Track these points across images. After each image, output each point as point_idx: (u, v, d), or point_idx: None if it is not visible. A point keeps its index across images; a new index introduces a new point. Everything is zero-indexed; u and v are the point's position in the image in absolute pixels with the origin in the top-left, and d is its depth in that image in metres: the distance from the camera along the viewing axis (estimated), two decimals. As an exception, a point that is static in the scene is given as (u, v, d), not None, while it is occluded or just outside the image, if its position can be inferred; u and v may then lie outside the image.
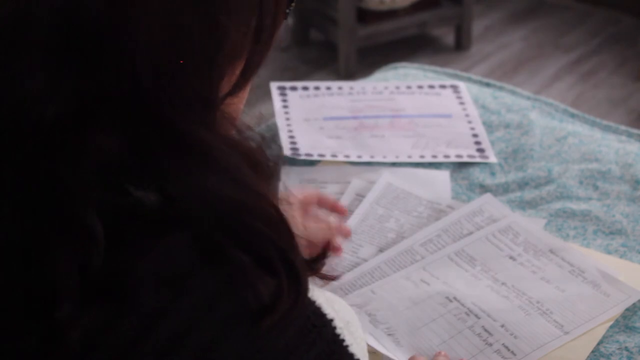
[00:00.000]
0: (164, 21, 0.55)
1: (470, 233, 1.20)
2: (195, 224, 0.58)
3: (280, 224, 0.61)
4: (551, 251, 1.16)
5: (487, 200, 1.25)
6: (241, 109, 0.67)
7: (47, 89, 0.55)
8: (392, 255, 1.16)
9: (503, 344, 1.02)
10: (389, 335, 1.05)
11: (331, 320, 0.61)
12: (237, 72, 0.62)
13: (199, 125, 0.58)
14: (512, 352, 1.01)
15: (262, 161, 0.62)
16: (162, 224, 0.58)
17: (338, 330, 0.61)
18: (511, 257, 1.15)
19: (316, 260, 0.67)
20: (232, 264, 0.58)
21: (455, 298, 1.08)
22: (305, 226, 1.08)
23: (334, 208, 1.16)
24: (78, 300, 0.55)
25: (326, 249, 0.69)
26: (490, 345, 1.02)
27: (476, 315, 1.06)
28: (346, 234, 1.14)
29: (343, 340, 0.61)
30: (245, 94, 0.66)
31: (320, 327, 0.61)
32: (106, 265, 0.56)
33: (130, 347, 0.56)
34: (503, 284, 1.11)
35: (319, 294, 0.62)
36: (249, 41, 0.61)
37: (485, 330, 1.04)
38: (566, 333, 1.04)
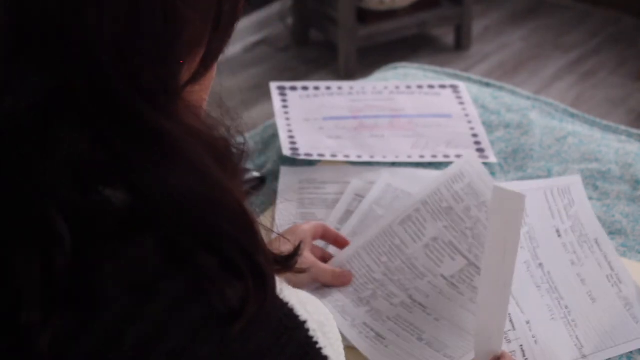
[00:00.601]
0: (121, 10, 0.55)
1: (449, 207, 1.15)
2: (162, 223, 0.57)
3: (245, 222, 0.60)
4: (596, 242, 1.12)
5: (467, 160, 1.21)
6: (205, 99, 0.66)
7: (6, 81, 0.54)
8: (370, 239, 1.14)
9: (521, 345, 0.98)
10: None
11: (304, 322, 0.60)
12: (198, 59, 0.61)
13: (162, 115, 0.57)
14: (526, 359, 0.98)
15: (226, 152, 0.61)
16: (129, 224, 0.57)
17: (311, 333, 0.60)
18: (557, 231, 1.10)
19: (289, 258, 0.66)
20: (199, 267, 0.57)
21: None
22: (311, 263, 1.09)
23: (336, 240, 1.15)
24: (42, 304, 0.54)
25: (299, 246, 0.68)
26: (509, 342, 0.98)
27: None
28: (347, 281, 1.12)
29: (316, 343, 0.61)
30: (209, 83, 0.65)
31: (293, 329, 0.60)
32: (73, 268, 0.55)
33: (100, 354, 0.56)
34: (540, 265, 1.06)
35: (292, 294, 0.62)
36: (208, 28, 0.60)
37: (511, 320, 0.99)
38: (583, 357, 1.00)
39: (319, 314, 0.62)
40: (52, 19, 0.54)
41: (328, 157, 1.35)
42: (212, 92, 0.66)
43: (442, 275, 1.10)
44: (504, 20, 3.47)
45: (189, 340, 0.57)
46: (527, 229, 1.06)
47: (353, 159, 1.35)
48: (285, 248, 0.68)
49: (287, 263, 0.66)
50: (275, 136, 1.40)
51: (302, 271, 0.72)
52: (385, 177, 1.29)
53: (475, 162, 1.22)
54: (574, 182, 1.16)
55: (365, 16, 3.08)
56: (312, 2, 3.20)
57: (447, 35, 3.32)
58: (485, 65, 3.18)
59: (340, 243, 1.15)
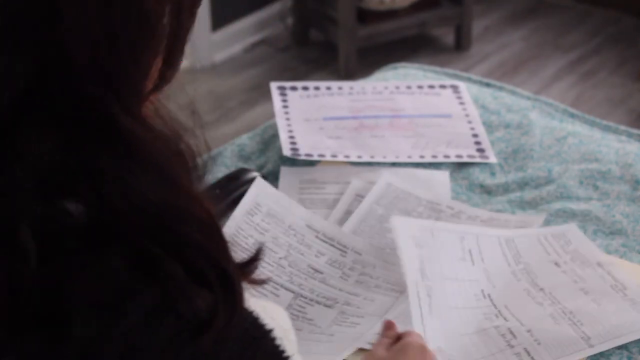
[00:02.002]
0: (96, 11, 0.54)
1: (256, 242, 1.11)
2: (130, 232, 0.56)
3: (212, 230, 0.59)
4: (598, 264, 1.12)
5: (258, 187, 1.18)
6: (161, 95, 0.65)
7: None
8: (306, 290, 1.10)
9: (525, 348, 1.00)
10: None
11: (270, 331, 0.60)
12: (161, 58, 0.61)
13: (134, 119, 0.56)
14: (532, 358, 0.99)
15: (193, 159, 0.60)
16: (95, 237, 0.56)
17: (278, 341, 0.60)
18: (556, 264, 1.12)
19: (248, 264, 0.65)
20: (168, 279, 0.56)
21: (489, 296, 1.06)
22: None
23: None
24: (9, 324, 0.53)
25: (259, 252, 0.66)
26: (512, 347, 1.00)
27: (505, 318, 1.03)
28: None
29: (283, 351, 0.60)
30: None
31: (260, 338, 0.59)
32: (38, 287, 0.53)
33: None
34: (541, 289, 1.08)
35: (255, 302, 0.61)
36: (169, 25, 0.59)
37: (511, 332, 1.02)
38: (591, 346, 1.00)
39: (282, 320, 0.61)
40: (27, 20, 0.53)
41: (328, 158, 1.35)
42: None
43: None
44: (504, 20, 3.47)
45: (161, 358, 0.56)
46: (522, 266, 1.09)
47: (353, 159, 1.35)
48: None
49: (248, 269, 0.64)
50: (275, 136, 1.40)
51: (261, 282, 0.69)
52: (385, 177, 1.29)
53: (267, 187, 1.19)
54: (570, 229, 1.18)
55: (365, 16, 3.08)
56: (312, 2, 3.20)
57: (447, 35, 3.32)
58: (485, 65, 3.18)
59: None
